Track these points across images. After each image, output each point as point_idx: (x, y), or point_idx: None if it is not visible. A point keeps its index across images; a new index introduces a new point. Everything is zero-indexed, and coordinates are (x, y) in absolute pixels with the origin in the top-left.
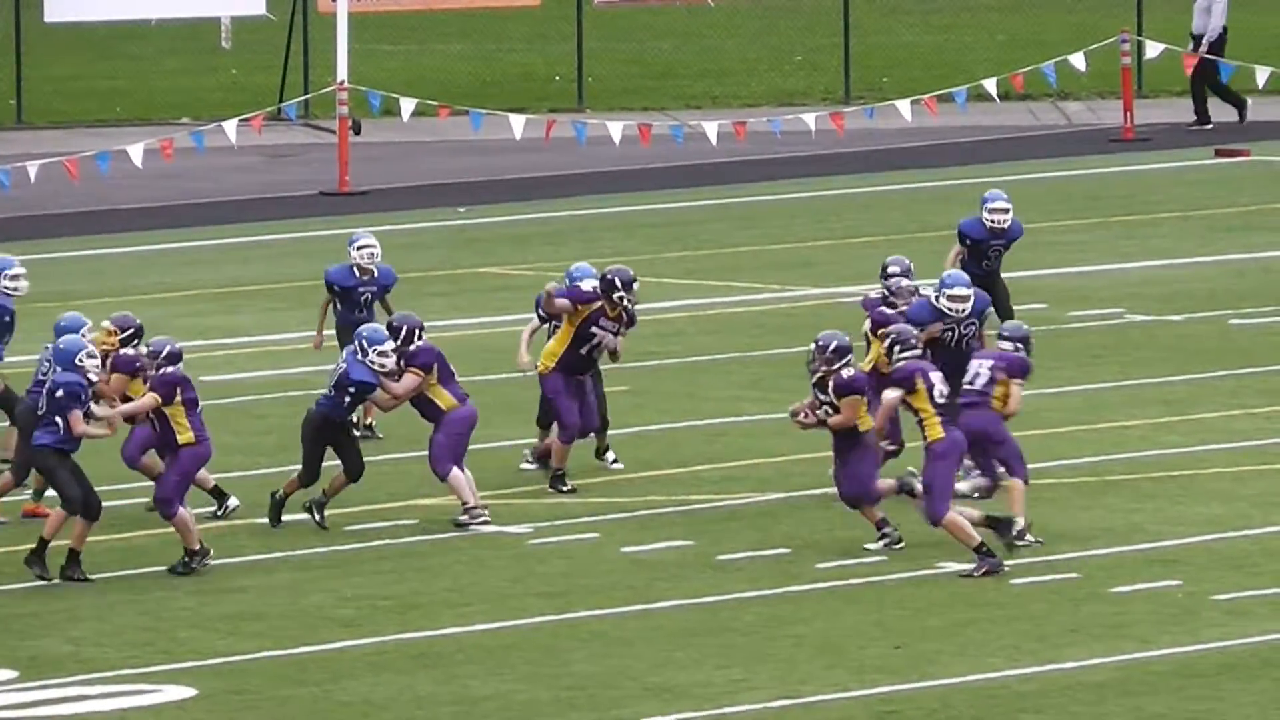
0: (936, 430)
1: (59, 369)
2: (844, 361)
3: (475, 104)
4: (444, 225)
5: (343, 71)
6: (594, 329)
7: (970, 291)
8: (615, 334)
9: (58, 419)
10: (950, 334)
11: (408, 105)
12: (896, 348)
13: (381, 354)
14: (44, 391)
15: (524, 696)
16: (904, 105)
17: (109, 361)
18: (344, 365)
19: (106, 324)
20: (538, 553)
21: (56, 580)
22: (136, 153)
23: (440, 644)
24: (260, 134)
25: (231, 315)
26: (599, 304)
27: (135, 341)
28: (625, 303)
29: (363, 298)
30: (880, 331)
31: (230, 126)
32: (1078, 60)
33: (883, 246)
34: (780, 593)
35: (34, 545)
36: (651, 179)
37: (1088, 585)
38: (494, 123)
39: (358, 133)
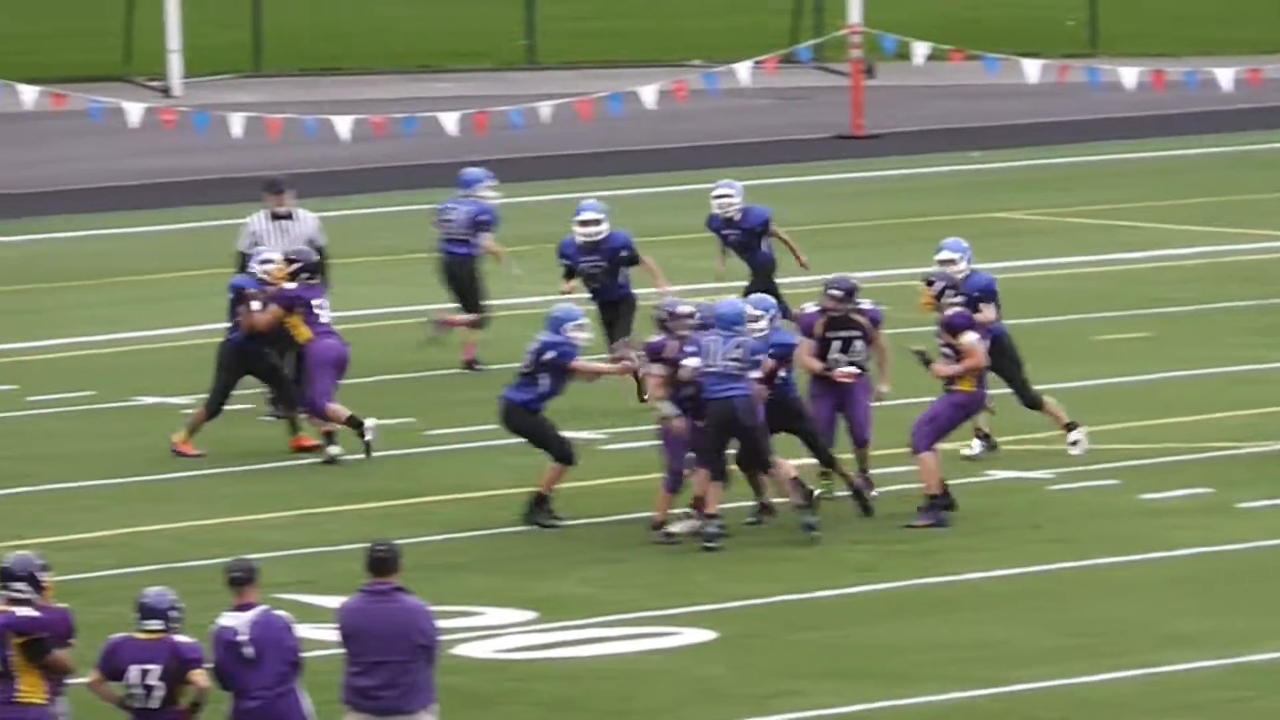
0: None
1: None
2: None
3: (988, 48)
4: (956, 170)
5: (856, 14)
6: None
7: None
8: None
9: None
10: None
11: (921, 49)
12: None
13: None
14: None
15: (1037, 642)
16: None
17: (274, 292)
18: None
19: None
20: (1055, 498)
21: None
22: (649, 94)
23: (955, 589)
24: (774, 76)
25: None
26: None
27: (304, 276)
28: None
29: (727, 240)
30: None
31: (743, 68)
32: None
33: None
34: None
35: (532, 499)
36: (1163, 125)
37: None
38: (1007, 67)
39: (871, 75)
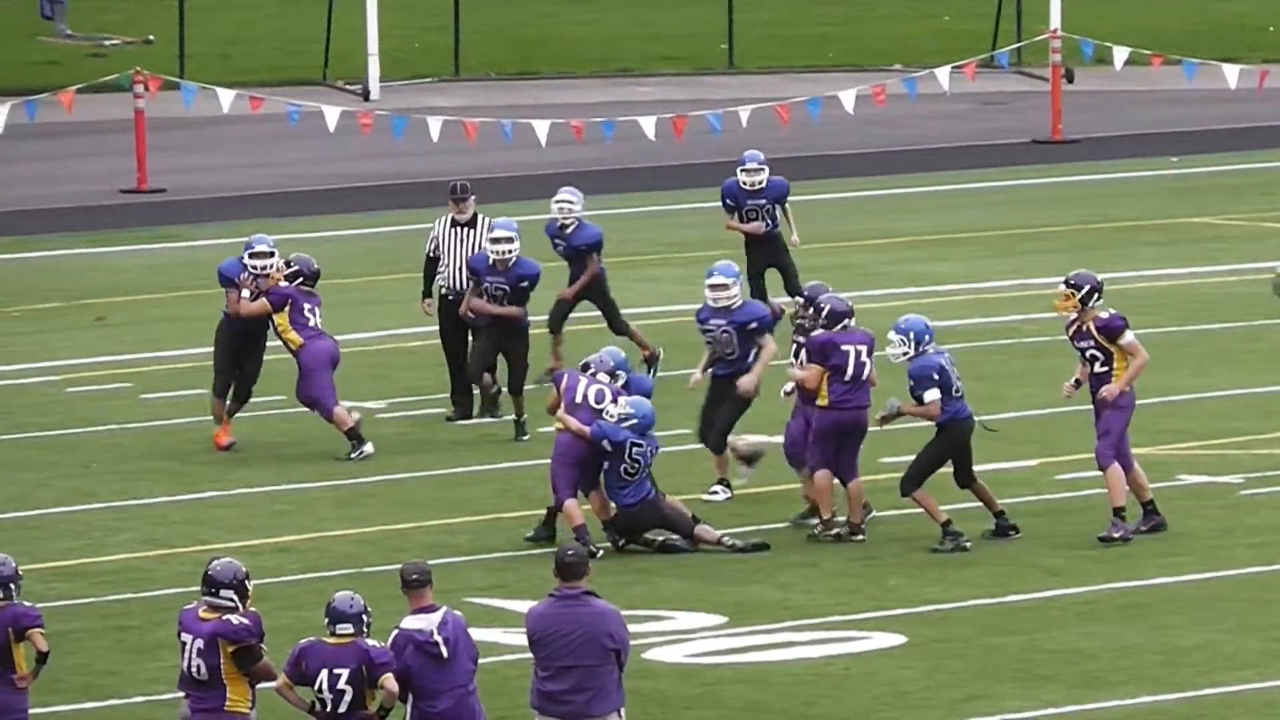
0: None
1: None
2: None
3: (1188, 53)
4: (1157, 175)
5: (1056, 19)
6: None
7: None
8: None
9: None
10: None
11: (1120, 54)
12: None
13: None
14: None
15: (1232, 647)
16: None
17: (266, 290)
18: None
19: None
20: (1248, 503)
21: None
22: (848, 99)
23: (1148, 594)
24: (973, 81)
25: (940, 262)
26: None
27: (299, 280)
28: None
29: (558, 249)
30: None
31: (943, 73)
32: None
33: None
34: None
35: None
36: None
37: None
38: (1207, 72)
39: (1070, 81)
